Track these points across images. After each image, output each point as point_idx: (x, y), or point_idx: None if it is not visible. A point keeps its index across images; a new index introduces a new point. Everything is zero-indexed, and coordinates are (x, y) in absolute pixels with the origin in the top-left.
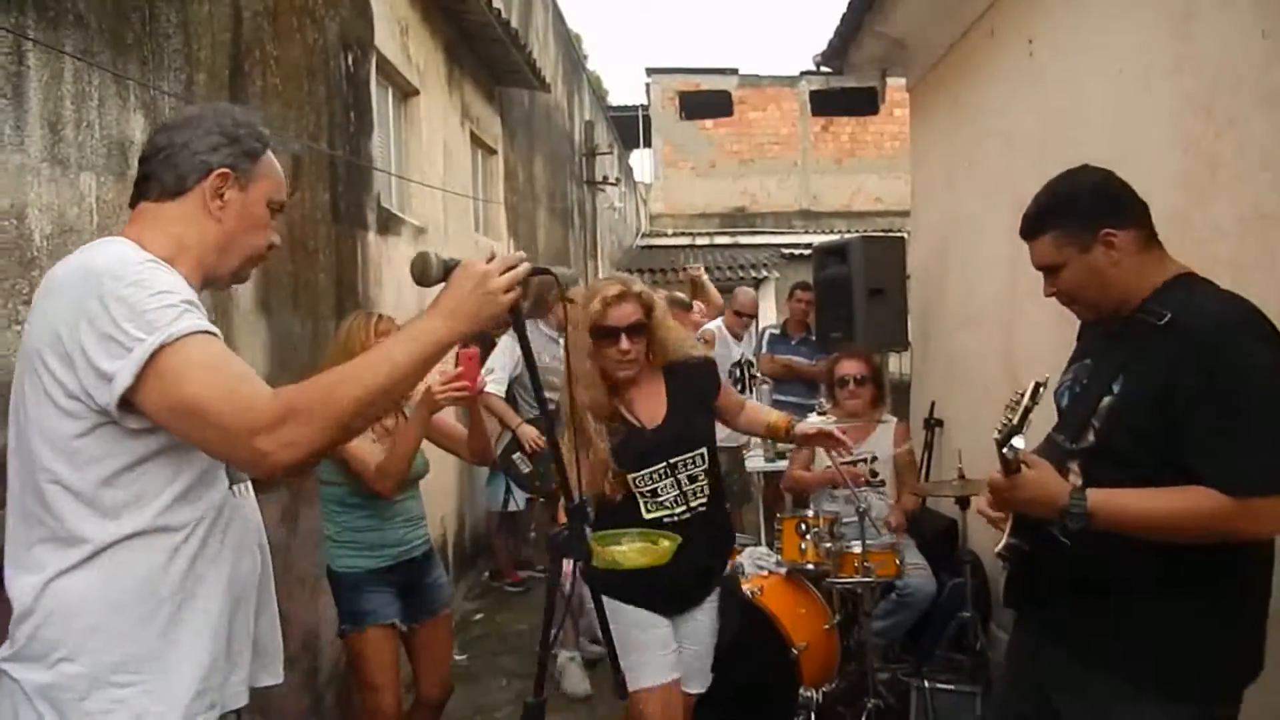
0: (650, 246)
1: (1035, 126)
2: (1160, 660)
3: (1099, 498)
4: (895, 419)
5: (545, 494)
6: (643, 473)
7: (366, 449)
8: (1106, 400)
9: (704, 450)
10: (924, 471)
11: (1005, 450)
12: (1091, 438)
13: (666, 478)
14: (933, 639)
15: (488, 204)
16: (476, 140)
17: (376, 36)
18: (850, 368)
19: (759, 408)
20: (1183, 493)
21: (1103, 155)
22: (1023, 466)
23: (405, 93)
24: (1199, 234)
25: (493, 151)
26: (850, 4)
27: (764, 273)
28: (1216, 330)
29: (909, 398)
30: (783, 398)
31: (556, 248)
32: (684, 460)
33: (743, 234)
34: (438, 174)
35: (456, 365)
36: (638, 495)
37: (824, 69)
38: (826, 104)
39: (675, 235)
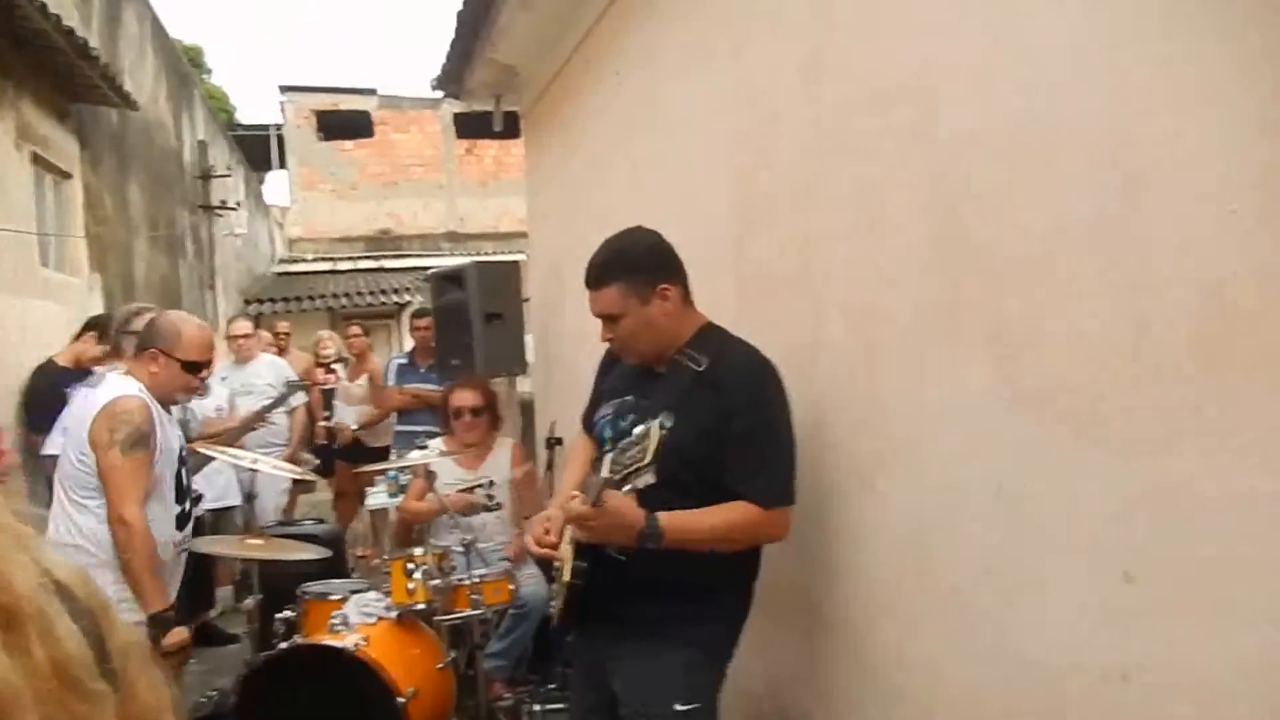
0: (288, 273)
1: (622, 155)
2: (689, 628)
3: (667, 519)
4: (511, 440)
5: None
6: None
7: None
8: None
9: None
10: (548, 491)
11: (626, 487)
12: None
13: None
14: (552, 657)
15: (60, 238)
16: (42, 164)
17: None
18: (464, 399)
19: None
20: (727, 509)
21: (677, 185)
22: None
23: None
24: (751, 255)
25: (67, 176)
26: (458, 31)
27: (409, 297)
28: (749, 382)
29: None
30: (412, 427)
31: (163, 280)
32: None
33: (388, 257)
34: None
35: None
36: None
37: (439, 93)
38: (470, 127)
39: (316, 260)
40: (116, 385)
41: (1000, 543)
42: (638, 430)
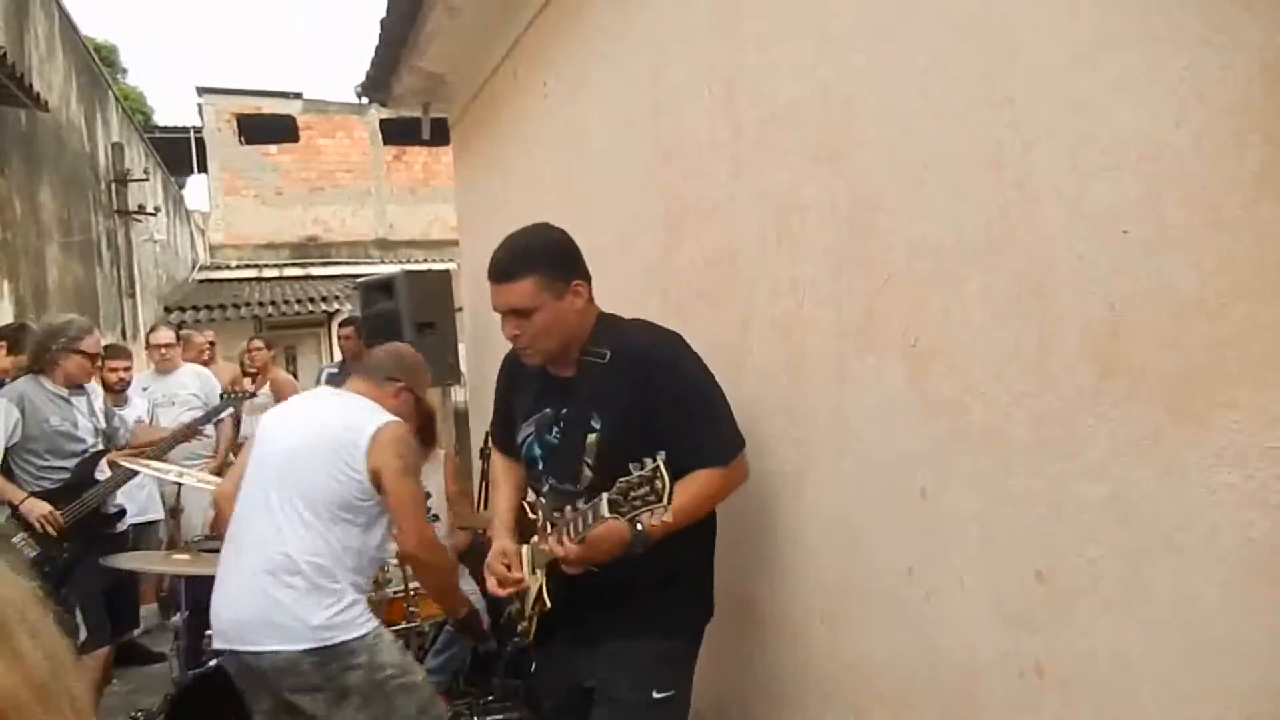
0: (210, 280)
1: (550, 166)
2: (660, 617)
3: (647, 519)
4: (444, 451)
5: (57, 580)
6: None
7: None
8: (592, 438)
9: None
10: (480, 502)
11: (639, 526)
12: (589, 474)
13: None
14: (490, 668)
15: None
16: None
17: None
18: None
19: None
20: (692, 483)
21: (604, 197)
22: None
23: None
24: (677, 266)
25: None
26: (382, 38)
27: (338, 305)
28: (655, 355)
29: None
30: None
31: (77, 287)
32: None
33: (315, 265)
34: None
35: None
36: None
37: (365, 99)
38: (396, 133)
39: (240, 267)
40: (373, 411)
41: (922, 544)
42: (639, 471)
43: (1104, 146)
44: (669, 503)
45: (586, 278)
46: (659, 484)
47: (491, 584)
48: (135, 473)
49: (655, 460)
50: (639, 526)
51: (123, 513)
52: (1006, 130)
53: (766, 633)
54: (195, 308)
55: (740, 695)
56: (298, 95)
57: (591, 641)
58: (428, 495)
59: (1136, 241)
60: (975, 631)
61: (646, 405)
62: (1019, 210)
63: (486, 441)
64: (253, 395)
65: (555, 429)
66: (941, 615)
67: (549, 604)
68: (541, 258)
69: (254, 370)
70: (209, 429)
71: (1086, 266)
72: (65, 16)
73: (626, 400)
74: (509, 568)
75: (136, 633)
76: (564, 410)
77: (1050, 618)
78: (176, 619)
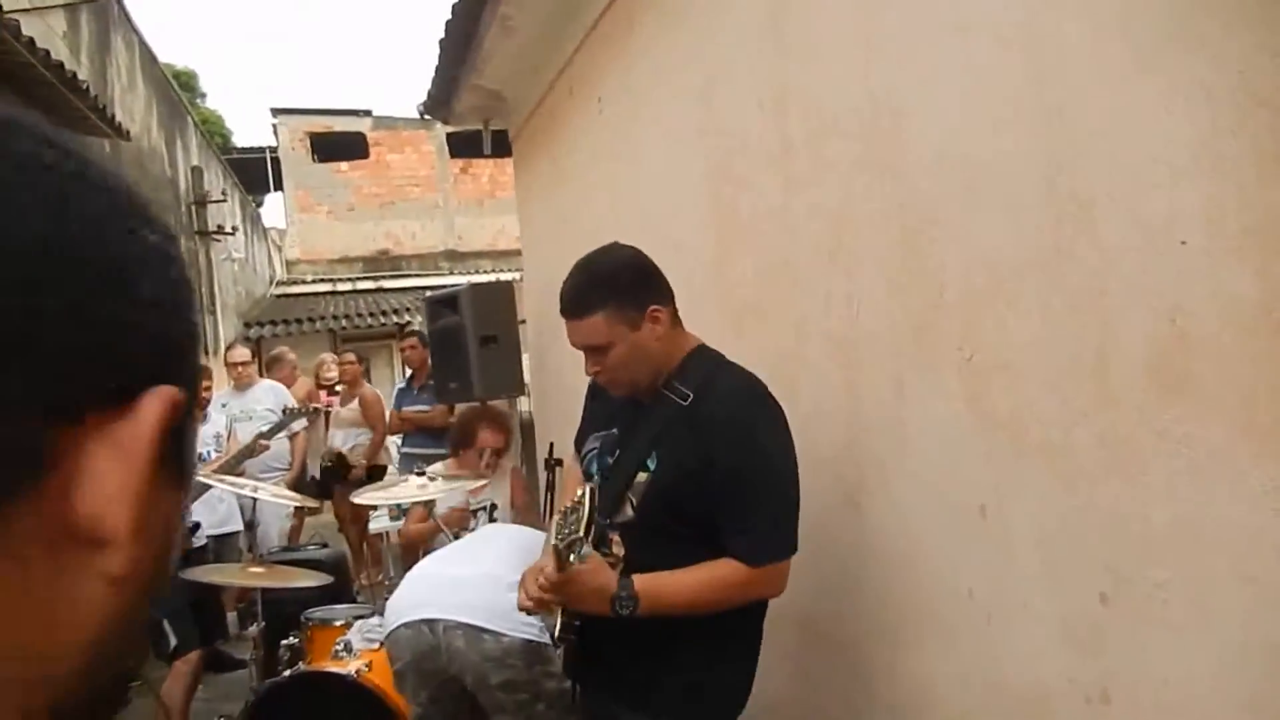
0: (287, 295)
1: (605, 179)
2: (696, 698)
3: (642, 583)
4: (511, 464)
5: None
6: None
7: None
8: (642, 476)
9: None
10: (546, 512)
11: (572, 558)
12: (630, 511)
13: None
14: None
15: None
16: None
17: None
18: (491, 440)
19: None
20: (712, 567)
21: (657, 212)
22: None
23: None
24: (730, 280)
25: None
26: (441, 59)
27: (409, 317)
28: (735, 420)
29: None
30: (416, 450)
31: None
32: None
33: (387, 278)
34: None
35: None
36: None
37: (428, 117)
38: (464, 146)
39: (315, 281)
40: None
41: (982, 565)
42: (578, 494)
43: (1160, 155)
44: (587, 535)
45: (665, 299)
46: (581, 512)
47: (520, 598)
48: (207, 487)
49: (584, 488)
50: (625, 587)
51: (197, 526)
52: (1059, 140)
53: (824, 653)
54: (273, 322)
55: (798, 717)
56: (367, 113)
57: (616, 696)
58: (494, 507)
59: (1196, 252)
60: (1039, 655)
61: (707, 463)
62: (1074, 222)
63: (551, 452)
64: (321, 410)
65: (617, 452)
66: (1004, 638)
67: (559, 634)
68: (610, 288)
69: (329, 383)
70: (280, 441)
71: (1145, 279)
72: (145, 48)
73: (690, 451)
74: (541, 588)
75: (220, 641)
76: (628, 437)
77: (1117, 642)
78: (253, 629)
